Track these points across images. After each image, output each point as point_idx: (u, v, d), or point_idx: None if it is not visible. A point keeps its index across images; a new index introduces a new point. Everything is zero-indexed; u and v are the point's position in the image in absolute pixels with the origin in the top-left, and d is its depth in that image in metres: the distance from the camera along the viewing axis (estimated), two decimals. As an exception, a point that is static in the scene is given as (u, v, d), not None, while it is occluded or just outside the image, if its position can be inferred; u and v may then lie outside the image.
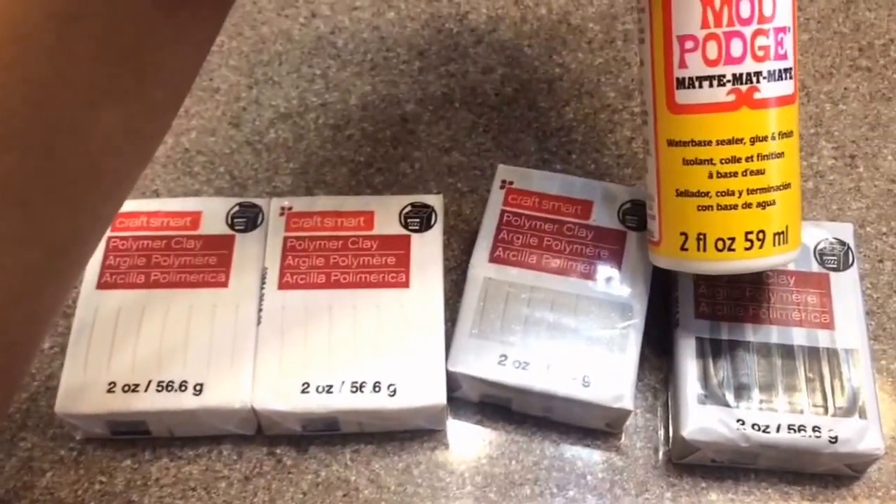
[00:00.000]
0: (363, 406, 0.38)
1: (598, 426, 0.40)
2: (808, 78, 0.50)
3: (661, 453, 0.40)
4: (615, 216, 0.43)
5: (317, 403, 0.38)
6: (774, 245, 0.36)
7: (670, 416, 0.40)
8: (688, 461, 0.39)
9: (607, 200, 0.43)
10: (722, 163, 0.36)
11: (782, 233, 0.37)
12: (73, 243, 0.28)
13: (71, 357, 0.39)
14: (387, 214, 0.43)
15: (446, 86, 0.50)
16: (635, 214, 0.42)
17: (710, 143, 0.36)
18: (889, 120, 0.49)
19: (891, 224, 0.45)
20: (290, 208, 0.43)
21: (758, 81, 0.35)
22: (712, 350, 0.40)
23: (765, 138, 0.36)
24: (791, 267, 0.41)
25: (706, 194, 0.36)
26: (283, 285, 0.41)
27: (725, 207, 0.36)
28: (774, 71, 0.35)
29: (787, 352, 0.39)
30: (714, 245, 0.36)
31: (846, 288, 0.41)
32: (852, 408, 0.38)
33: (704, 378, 0.39)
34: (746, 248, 0.36)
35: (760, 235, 0.36)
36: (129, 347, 0.39)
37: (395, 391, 0.38)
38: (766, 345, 0.40)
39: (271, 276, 0.41)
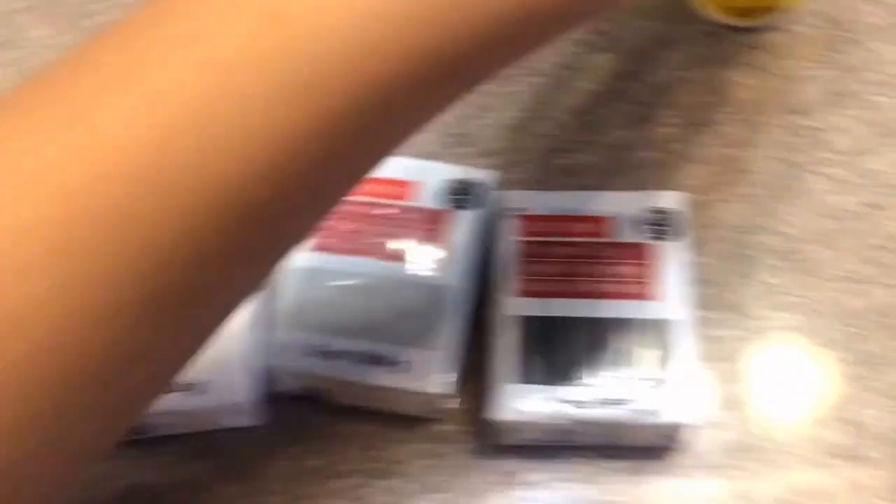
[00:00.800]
0: (169, 407, 0.37)
1: (418, 413, 0.39)
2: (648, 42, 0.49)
3: (481, 437, 0.39)
4: (439, 196, 0.41)
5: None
6: None
7: (490, 399, 0.39)
8: (509, 443, 0.38)
9: (430, 180, 0.42)
10: None
11: None
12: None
13: None
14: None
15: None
16: (460, 194, 0.41)
17: None
18: (729, 85, 0.48)
19: (724, 192, 0.45)
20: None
21: None
22: (531, 329, 0.38)
23: None
24: (615, 238, 0.41)
25: None
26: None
27: None
28: None
29: (610, 325, 0.38)
30: None
31: (673, 257, 0.40)
32: (674, 379, 0.37)
33: (524, 357, 0.38)
34: None
35: None
36: None
37: (203, 389, 0.37)
38: (587, 319, 0.39)
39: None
